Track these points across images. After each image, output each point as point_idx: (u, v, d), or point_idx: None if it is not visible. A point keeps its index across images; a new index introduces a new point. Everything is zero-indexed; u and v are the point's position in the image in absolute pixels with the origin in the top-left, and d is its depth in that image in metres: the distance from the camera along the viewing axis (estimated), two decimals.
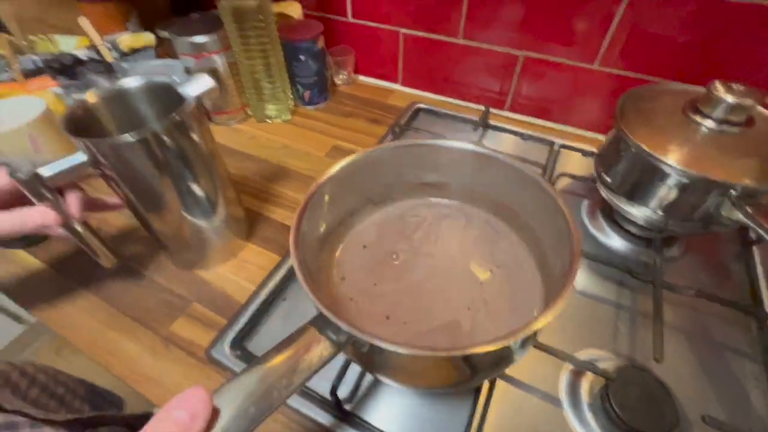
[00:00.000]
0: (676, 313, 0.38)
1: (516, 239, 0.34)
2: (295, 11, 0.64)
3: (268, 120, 0.63)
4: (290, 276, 0.41)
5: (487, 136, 0.58)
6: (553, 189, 0.28)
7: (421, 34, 0.60)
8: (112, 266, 0.37)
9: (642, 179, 0.38)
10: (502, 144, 0.57)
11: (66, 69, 0.55)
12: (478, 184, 0.35)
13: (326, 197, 0.31)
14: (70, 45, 0.57)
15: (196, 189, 0.36)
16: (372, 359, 0.25)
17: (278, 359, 0.20)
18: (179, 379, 0.35)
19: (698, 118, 0.36)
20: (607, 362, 0.34)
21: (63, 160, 0.29)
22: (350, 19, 0.64)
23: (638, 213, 0.40)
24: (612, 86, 0.53)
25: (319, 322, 0.22)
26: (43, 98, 0.52)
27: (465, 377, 0.26)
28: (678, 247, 0.43)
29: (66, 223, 0.31)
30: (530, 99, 0.60)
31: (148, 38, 0.59)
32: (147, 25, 0.71)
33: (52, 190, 0.29)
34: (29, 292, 0.41)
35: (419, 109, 0.63)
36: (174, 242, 0.40)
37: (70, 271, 0.43)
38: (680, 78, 0.48)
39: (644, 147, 0.36)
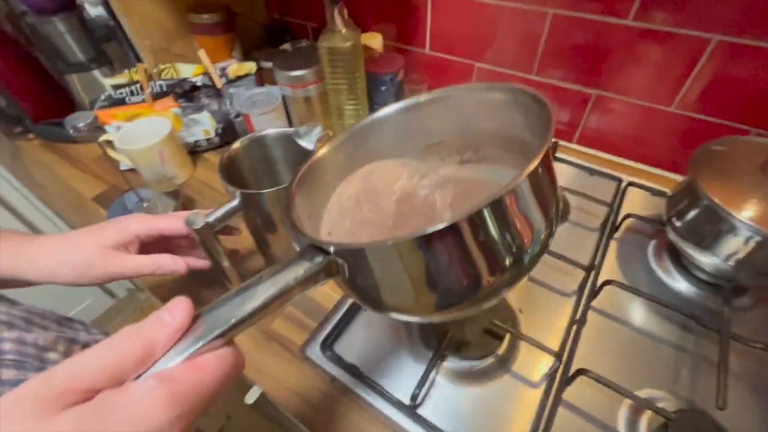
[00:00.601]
0: (741, 364, 0.39)
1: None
2: (376, 43, 0.70)
3: None
4: None
5: (555, 167, 0.61)
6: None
7: (495, 68, 0.64)
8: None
9: (713, 230, 0.40)
10: (567, 177, 0.59)
11: (186, 93, 0.65)
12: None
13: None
14: (189, 72, 0.67)
15: None
16: (365, 282, 0.24)
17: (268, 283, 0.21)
18: (280, 370, 0.42)
19: None
20: (666, 402, 0.36)
21: (222, 207, 0.36)
22: (427, 51, 0.69)
23: (707, 261, 0.41)
24: (687, 128, 0.53)
25: (306, 255, 0.23)
26: (168, 118, 0.62)
27: (474, 280, 0.23)
28: (748, 297, 0.44)
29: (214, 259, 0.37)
30: (600, 133, 0.61)
31: (250, 67, 0.68)
32: (246, 53, 0.80)
33: (217, 237, 0.36)
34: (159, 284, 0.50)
35: None
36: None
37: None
38: (760, 125, 0.48)
39: (717, 201, 0.38)
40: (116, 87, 0.65)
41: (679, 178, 0.58)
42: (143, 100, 0.66)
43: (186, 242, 0.42)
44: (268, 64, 0.65)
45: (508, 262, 0.23)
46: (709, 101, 0.50)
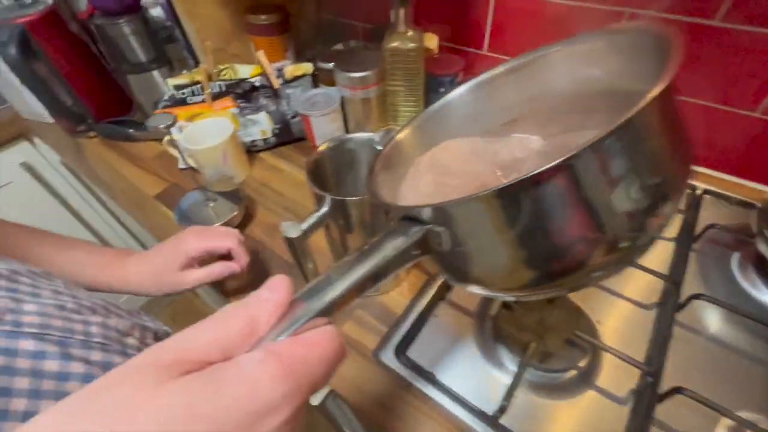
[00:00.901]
0: None
1: None
2: (432, 43, 0.69)
3: None
4: (441, 294, 0.47)
5: None
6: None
7: None
8: None
9: None
10: None
11: (245, 93, 0.66)
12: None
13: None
14: (247, 72, 0.67)
15: None
16: (462, 249, 0.23)
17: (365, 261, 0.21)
18: (352, 373, 0.41)
19: None
20: (765, 425, 0.34)
21: (314, 216, 0.36)
22: (485, 51, 0.68)
23: None
24: None
25: (400, 228, 0.22)
26: (228, 119, 0.63)
27: (581, 249, 0.21)
28: None
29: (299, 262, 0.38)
30: None
31: (307, 68, 0.68)
32: (297, 53, 0.81)
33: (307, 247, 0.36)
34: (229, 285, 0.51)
35: None
36: None
37: (255, 271, 0.52)
38: None
39: None
40: (178, 87, 0.66)
41: (758, 186, 0.55)
42: (203, 100, 0.67)
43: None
44: (326, 65, 0.65)
45: (624, 234, 0.21)
46: None
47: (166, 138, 0.62)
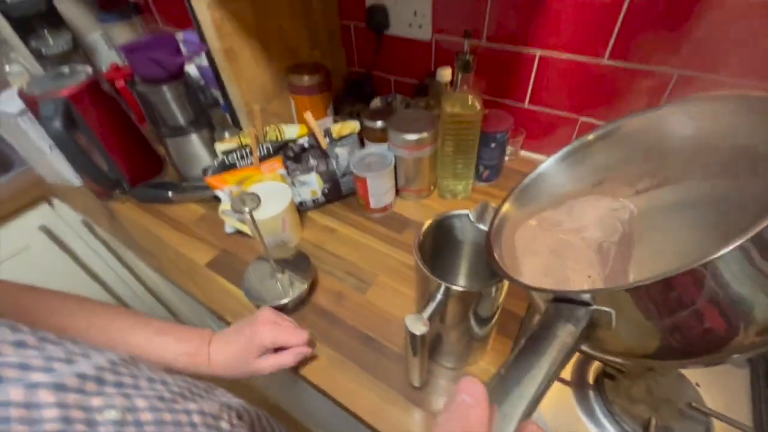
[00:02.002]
0: None
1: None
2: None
3: (449, 195, 0.69)
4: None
5: None
6: None
7: (599, 122, 0.65)
8: (418, 385, 0.44)
9: None
10: None
11: (296, 155, 0.65)
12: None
13: None
14: (293, 133, 0.67)
15: (493, 309, 0.41)
16: (619, 332, 0.23)
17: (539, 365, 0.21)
18: None
19: None
20: None
21: (430, 306, 0.35)
22: (526, 105, 0.70)
23: None
24: None
25: (551, 317, 0.23)
26: (281, 182, 0.62)
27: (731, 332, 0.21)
28: None
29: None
30: None
31: (354, 126, 0.68)
32: (335, 110, 0.82)
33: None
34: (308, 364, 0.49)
35: None
36: (453, 348, 0.46)
37: (329, 342, 0.50)
38: None
39: None
40: (227, 152, 0.65)
41: None
42: (251, 163, 0.66)
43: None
44: (372, 124, 0.66)
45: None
46: None
47: (222, 207, 0.60)
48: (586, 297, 0.23)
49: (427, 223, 0.40)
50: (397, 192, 0.70)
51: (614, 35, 0.56)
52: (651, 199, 0.37)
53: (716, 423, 0.40)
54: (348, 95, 0.86)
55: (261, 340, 0.45)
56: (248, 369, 0.46)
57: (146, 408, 0.28)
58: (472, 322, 0.40)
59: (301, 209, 0.69)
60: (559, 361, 0.22)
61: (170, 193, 0.72)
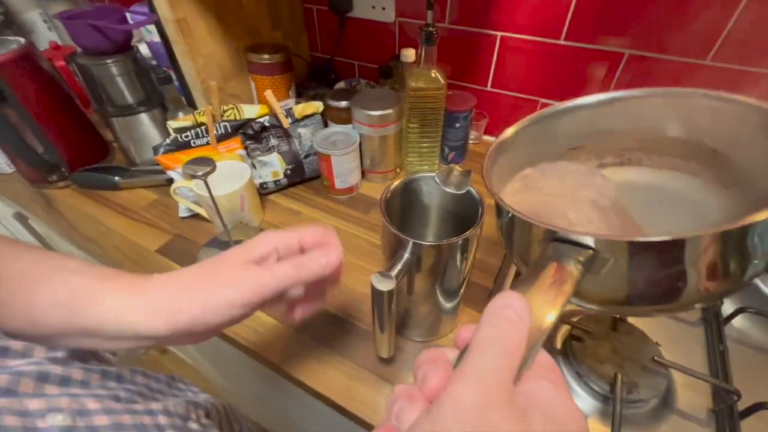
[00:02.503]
0: None
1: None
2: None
3: None
4: None
5: None
6: None
7: None
8: (387, 356, 0.41)
9: None
10: None
11: (255, 134, 0.62)
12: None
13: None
14: (252, 112, 0.64)
15: (459, 274, 0.39)
16: (611, 280, 0.24)
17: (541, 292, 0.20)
18: None
19: None
20: None
21: (399, 261, 0.34)
22: (488, 88, 0.71)
23: None
24: None
25: (556, 252, 0.22)
26: (239, 161, 0.59)
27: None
28: None
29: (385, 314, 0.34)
30: None
31: (317, 106, 0.66)
32: (298, 93, 0.79)
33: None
34: (262, 343, 0.46)
35: None
36: (422, 320, 0.44)
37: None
38: None
39: None
40: (180, 130, 0.61)
41: None
42: (207, 143, 0.62)
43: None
44: (337, 104, 0.64)
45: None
46: None
47: (175, 186, 0.56)
48: (589, 241, 0.22)
49: (395, 182, 0.38)
50: (363, 175, 0.69)
51: (569, 16, 0.58)
52: (614, 174, 0.38)
53: (676, 376, 0.41)
54: (311, 80, 0.84)
55: (263, 238, 0.30)
56: (234, 284, 0.26)
57: (100, 410, 0.24)
58: (440, 289, 0.39)
59: (263, 192, 0.66)
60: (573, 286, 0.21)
61: (117, 178, 0.67)
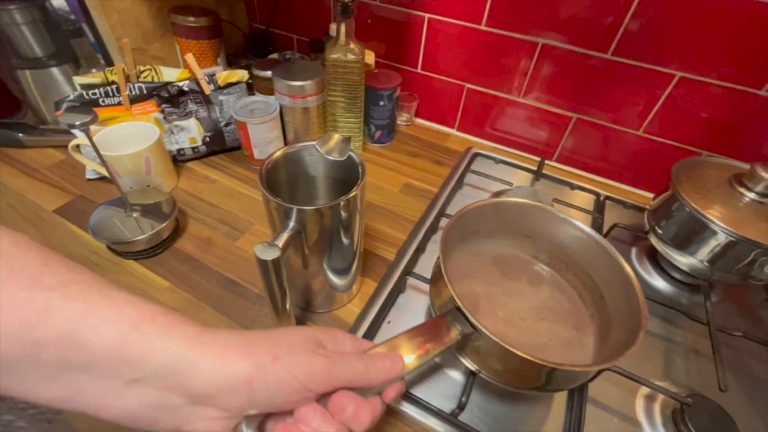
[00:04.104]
0: (724, 352, 0.45)
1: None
2: (370, 59, 0.72)
3: None
4: (391, 301, 0.47)
5: (540, 182, 0.66)
6: (629, 270, 0.36)
7: (484, 90, 0.69)
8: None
9: (692, 234, 0.46)
10: (552, 190, 0.65)
11: (171, 98, 0.61)
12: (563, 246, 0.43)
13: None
14: (172, 76, 0.62)
15: (351, 242, 0.40)
16: (480, 354, 0.33)
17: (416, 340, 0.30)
18: None
19: (742, 190, 0.44)
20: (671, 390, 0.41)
21: (284, 231, 0.33)
22: (419, 70, 0.73)
23: (685, 261, 0.48)
24: (652, 150, 0.62)
25: (450, 317, 0.32)
26: (152, 124, 0.57)
27: (543, 385, 0.32)
28: (715, 294, 0.51)
29: None
30: (576, 153, 0.68)
31: (242, 74, 0.65)
32: (230, 62, 0.77)
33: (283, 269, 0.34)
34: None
35: (477, 154, 0.71)
36: (319, 292, 0.44)
37: (186, 286, 0.47)
38: (713, 150, 0.57)
39: (698, 209, 0.44)
40: (88, 87, 0.58)
41: (643, 193, 0.66)
42: (119, 103, 0.60)
43: None
44: (262, 73, 0.63)
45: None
46: (670, 128, 0.59)
47: (74, 143, 0.54)
48: (476, 325, 0.31)
49: (275, 154, 0.38)
50: None
51: (489, 2, 0.60)
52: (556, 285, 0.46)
53: None
54: (247, 51, 0.83)
55: (326, 333, 0.27)
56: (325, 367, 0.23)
57: None
58: (333, 258, 0.39)
59: (180, 158, 0.64)
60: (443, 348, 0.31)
61: (21, 135, 0.63)
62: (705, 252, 0.46)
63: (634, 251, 0.56)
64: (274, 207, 0.35)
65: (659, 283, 0.52)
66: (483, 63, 0.67)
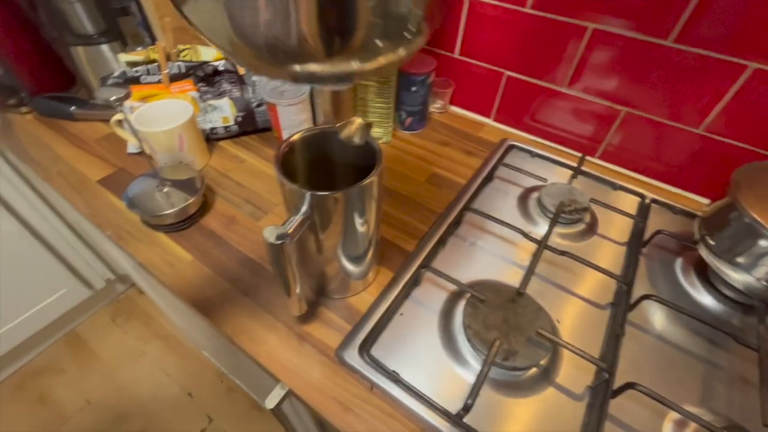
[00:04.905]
0: None
1: None
2: None
3: None
4: (406, 293, 0.46)
5: (579, 180, 0.62)
6: None
7: (525, 78, 0.64)
8: (297, 314, 0.41)
9: (750, 248, 0.41)
10: (592, 189, 0.60)
11: (207, 77, 0.62)
12: None
13: None
14: (209, 55, 0.64)
15: (366, 230, 0.39)
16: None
17: None
18: (313, 373, 0.39)
19: None
20: (706, 419, 0.37)
21: (296, 215, 0.33)
22: (456, 55, 0.69)
23: (740, 278, 0.42)
24: (711, 151, 0.55)
25: None
26: (187, 102, 0.59)
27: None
28: None
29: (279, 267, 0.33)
30: (622, 150, 0.63)
31: None
32: None
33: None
34: (174, 276, 0.47)
35: (512, 146, 0.67)
36: (333, 278, 0.43)
37: (208, 261, 0.49)
38: None
39: (759, 220, 0.39)
40: (132, 64, 0.61)
41: (697, 198, 0.60)
42: (159, 81, 0.62)
43: None
44: None
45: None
46: (737, 127, 0.52)
47: (114, 118, 0.56)
48: None
49: (293, 137, 0.38)
50: None
51: None
52: None
53: (566, 354, 0.41)
54: None
55: None
56: None
57: None
58: (348, 244, 0.39)
59: (213, 137, 0.66)
60: None
61: (73, 108, 0.67)
62: (763, 270, 0.40)
63: (679, 262, 0.51)
64: (288, 191, 0.34)
65: (706, 300, 0.47)
66: (526, 49, 0.62)
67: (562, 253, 0.47)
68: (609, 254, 0.51)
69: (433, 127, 0.72)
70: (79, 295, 1.27)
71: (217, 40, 0.24)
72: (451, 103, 0.76)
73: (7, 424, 1.13)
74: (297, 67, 0.24)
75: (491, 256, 0.50)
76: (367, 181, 0.34)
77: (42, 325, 1.20)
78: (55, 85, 0.73)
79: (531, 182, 0.60)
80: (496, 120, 0.73)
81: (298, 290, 0.37)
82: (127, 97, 0.41)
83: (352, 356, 0.40)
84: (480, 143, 0.69)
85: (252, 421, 1.15)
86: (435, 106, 0.74)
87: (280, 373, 0.40)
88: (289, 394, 0.43)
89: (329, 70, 0.24)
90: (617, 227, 0.55)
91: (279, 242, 0.31)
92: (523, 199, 0.58)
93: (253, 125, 0.67)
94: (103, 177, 0.59)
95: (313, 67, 0.24)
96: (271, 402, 0.45)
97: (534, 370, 0.39)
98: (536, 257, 0.46)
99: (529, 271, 0.44)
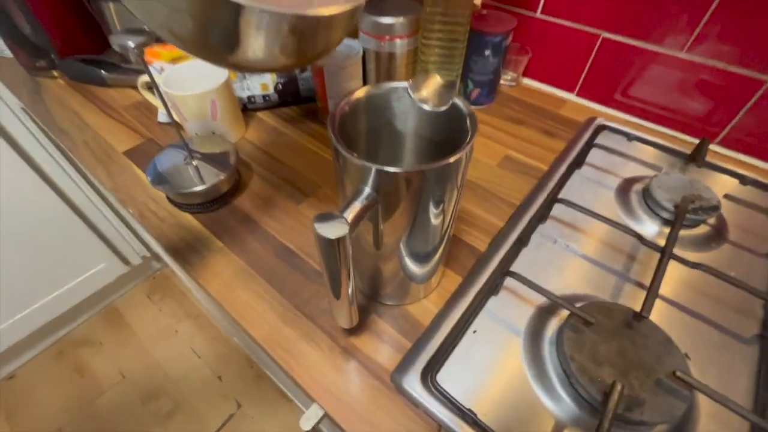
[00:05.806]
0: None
1: None
2: None
3: None
4: (479, 304, 0.36)
5: (692, 170, 0.49)
6: None
7: (627, 40, 0.52)
8: (347, 326, 0.32)
9: None
10: (717, 184, 0.47)
11: None
12: None
13: None
14: None
15: (441, 222, 0.30)
16: None
17: None
18: (365, 401, 0.31)
19: None
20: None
21: (356, 199, 0.25)
22: (538, 14, 0.57)
23: None
24: None
25: None
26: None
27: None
28: None
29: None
30: (758, 137, 0.49)
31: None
32: None
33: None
34: (202, 267, 0.40)
35: (603, 126, 0.55)
36: (390, 280, 0.34)
37: (240, 249, 0.41)
38: None
39: None
40: None
41: None
42: None
43: None
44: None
45: None
46: None
47: (142, 79, 0.50)
48: None
49: (356, 93, 0.29)
50: None
51: None
52: None
53: (702, 402, 0.30)
54: None
55: None
56: None
57: None
58: (415, 239, 0.29)
59: (250, 107, 0.58)
60: None
61: (104, 72, 0.61)
62: None
63: None
64: (345, 165, 0.25)
65: None
66: (631, 5, 0.49)
67: (695, 265, 0.36)
68: (746, 268, 0.39)
69: (503, 102, 0.61)
70: (117, 271, 1.27)
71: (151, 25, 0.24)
72: (525, 75, 0.64)
73: (46, 392, 1.15)
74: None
75: (589, 263, 0.40)
76: (455, 156, 0.24)
77: (80, 298, 1.21)
78: (86, 47, 0.67)
79: (633, 170, 0.48)
80: (580, 95, 0.60)
81: (350, 292, 0.28)
82: (148, 42, 0.33)
83: (413, 384, 0.31)
84: (561, 122, 0.57)
85: (279, 411, 1.11)
86: (505, 78, 0.63)
87: (319, 397, 0.32)
88: (325, 417, 0.35)
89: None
90: (755, 233, 0.42)
91: (336, 237, 0.23)
92: (623, 191, 0.46)
93: (294, 94, 0.58)
94: (130, 148, 0.53)
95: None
96: (307, 423, 0.37)
97: (663, 426, 0.29)
98: (660, 270, 0.34)
99: (654, 288, 0.33)
